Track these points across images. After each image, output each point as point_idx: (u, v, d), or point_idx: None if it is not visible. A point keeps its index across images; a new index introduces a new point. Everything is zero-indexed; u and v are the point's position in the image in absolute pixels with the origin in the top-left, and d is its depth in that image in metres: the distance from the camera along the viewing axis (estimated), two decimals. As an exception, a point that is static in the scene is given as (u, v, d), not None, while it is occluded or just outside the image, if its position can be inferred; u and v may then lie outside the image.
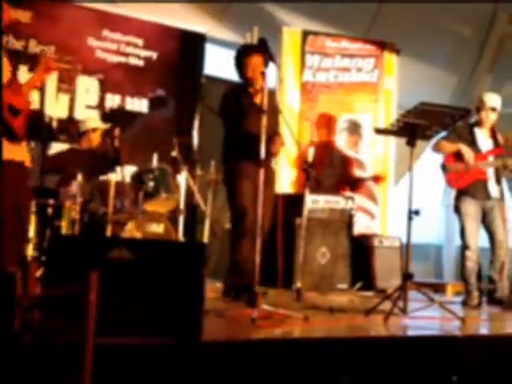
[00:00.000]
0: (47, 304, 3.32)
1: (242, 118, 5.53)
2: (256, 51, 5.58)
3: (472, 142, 6.37)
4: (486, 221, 6.36)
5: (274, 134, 5.45)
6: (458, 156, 6.31)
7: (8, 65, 4.12)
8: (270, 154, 5.38)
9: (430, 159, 10.10)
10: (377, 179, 8.28)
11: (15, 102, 3.99)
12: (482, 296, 6.52)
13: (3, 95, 3.92)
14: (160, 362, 3.26)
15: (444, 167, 6.43)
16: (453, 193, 6.52)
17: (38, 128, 6.83)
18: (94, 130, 6.71)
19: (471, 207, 6.32)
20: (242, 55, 5.66)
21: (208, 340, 3.52)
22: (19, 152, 4.08)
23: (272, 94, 5.62)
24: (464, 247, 6.36)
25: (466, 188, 6.33)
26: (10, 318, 2.82)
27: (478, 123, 6.46)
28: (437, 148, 6.43)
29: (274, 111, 5.51)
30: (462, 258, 6.39)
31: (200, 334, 3.44)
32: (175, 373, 3.30)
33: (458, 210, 6.39)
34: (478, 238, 6.38)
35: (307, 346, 3.93)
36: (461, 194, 6.38)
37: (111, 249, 3.46)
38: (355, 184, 8.15)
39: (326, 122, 7.95)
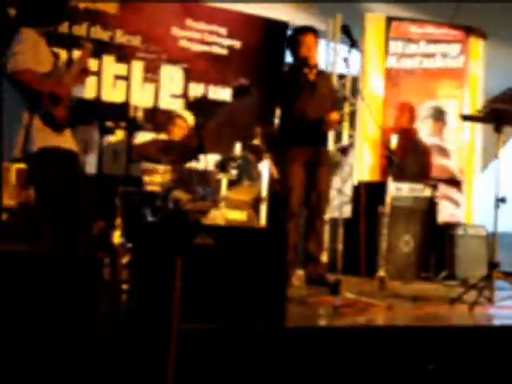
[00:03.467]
0: (134, 289, 3.39)
1: (297, 96, 5.57)
2: (310, 31, 5.70)
3: None
4: None
5: (327, 112, 5.51)
6: None
7: (49, 53, 4.17)
8: (324, 131, 5.58)
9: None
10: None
11: (57, 90, 4.04)
12: None
13: (44, 84, 3.98)
14: (244, 349, 3.29)
15: None
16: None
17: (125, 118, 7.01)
18: (180, 117, 6.81)
19: None
20: (297, 35, 5.71)
21: (291, 326, 3.54)
22: (63, 140, 4.11)
23: (328, 75, 5.82)
24: None
25: None
26: (98, 302, 2.89)
27: None
28: None
29: (331, 91, 5.75)
30: None
31: (283, 320, 3.46)
32: (259, 359, 3.33)
33: None
34: None
35: (390, 334, 3.91)
36: None
37: (195, 235, 3.50)
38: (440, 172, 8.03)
39: (407, 109, 7.84)
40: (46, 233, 3.88)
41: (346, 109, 7.97)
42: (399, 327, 4.13)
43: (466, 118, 6.79)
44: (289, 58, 5.96)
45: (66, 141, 4.13)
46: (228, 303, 3.39)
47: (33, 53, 3.95)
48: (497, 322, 4.79)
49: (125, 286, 3.34)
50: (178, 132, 6.81)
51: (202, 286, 3.38)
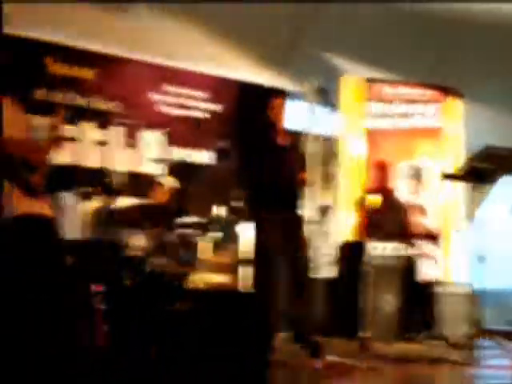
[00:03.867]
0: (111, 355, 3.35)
1: (267, 160, 5.58)
2: (277, 93, 5.74)
3: None
4: None
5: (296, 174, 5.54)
6: None
7: (24, 120, 4.17)
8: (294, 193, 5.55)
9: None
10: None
11: (34, 158, 4.04)
12: None
13: (18, 150, 3.98)
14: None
15: None
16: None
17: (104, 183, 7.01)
18: (160, 183, 6.82)
19: None
20: (264, 97, 5.74)
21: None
22: (40, 206, 4.10)
23: (294, 135, 5.85)
24: None
25: None
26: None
27: None
28: None
29: (298, 153, 5.71)
30: None
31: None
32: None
33: None
34: None
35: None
36: None
37: (173, 300, 3.48)
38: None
39: (384, 169, 7.88)
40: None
41: (322, 169, 8.01)
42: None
43: (446, 176, 6.86)
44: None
45: (43, 207, 4.11)
46: (208, 368, 3.35)
47: (7, 119, 3.95)
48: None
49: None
50: (160, 197, 6.80)
51: (181, 351, 3.35)
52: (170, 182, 6.95)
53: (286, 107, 5.66)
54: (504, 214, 9.97)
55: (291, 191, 5.55)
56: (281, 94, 5.74)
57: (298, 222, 5.73)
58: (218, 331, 3.41)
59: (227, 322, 3.44)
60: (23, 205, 3.95)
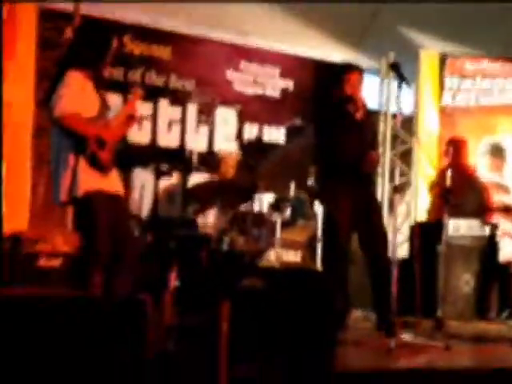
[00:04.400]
0: (181, 332, 3.37)
1: (343, 135, 5.48)
2: (354, 69, 5.62)
3: None
4: None
5: (368, 152, 5.41)
6: None
7: (96, 97, 4.18)
8: (364, 172, 5.43)
9: None
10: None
11: (103, 134, 4.06)
12: None
13: (90, 129, 4.01)
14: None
15: None
16: None
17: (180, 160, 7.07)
18: (228, 156, 6.84)
19: None
20: (341, 73, 5.65)
21: (342, 370, 3.47)
22: (108, 182, 4.12)
23: (370, 114, 5.74)
24: None
25: None
26: (142, 345, 2.87)
27: None
28: None
29: (372, 131, 5.66)
30: None
31: (332, 364, 3.39)
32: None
33: None
34: None
35: (448, 377, 3.80)
36: None
37: (244, 278, 3.49)
38: (500, 209, 7.85)
39: (463, 146, 7.70)
40: (96, 278, 3.90)
41: (399, 148, 7.90)
42: (458, 369, 4.02)
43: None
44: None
45: (111, 183, 4.15)
46: (276, 347, 3.34)
47: (79, 96, 4.00)
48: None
49: (171, 329, 3.32)
50: (228, 170, 6.82)
51: (250, 330, 3.35)
52: (235, 154, 6.96)
53: (363, 82, 5.63)
54: None
55: (361, 169, 5.46)
56: (358, 69, 5.65)
57: (373, 198, 5.67)
58: (286, 309, 3.40)
59: (295, 301, 3.42)
60: (91, 180, 4.00)
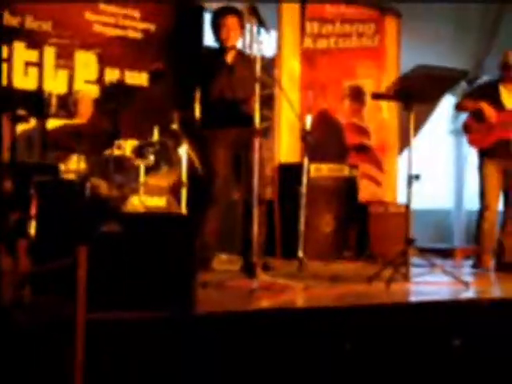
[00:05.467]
0: (38, 279, 3.31)
1: (214, 78, 5.51)
2: (229, 12, 5.65)
3: (496, 100, 6.17)
4: (506, 182, 6.23)
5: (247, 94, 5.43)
6: (480, 115, 6.13)
7: None
8: (245, 112, 5.44)
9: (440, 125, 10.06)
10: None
11: None
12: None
13: None
14: (153, 336, 3.24)
15: (466, 127, 6.29)
16: (475, 153, 6.38)
17: (38, 105, 6.83)
18: (85, 95, 6.73)
19: (493, 167, 6.19)
20: (218, 17, 5.65)
21: (203, 312, 3.50)
22: None
23: (249, 57, 5.78)
24: (483, 208, 6.23)
25: (488, 148, 6.18)
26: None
27: (503, 80, 6.26)
28: (459, 107, 6.38)
29: (250, 73, 5.46)
30: (480, 219, 6.26)
31: (193, 306, 3.41)
32: (169, 347, 3.28)
33: (480, 170, 6.27)
34: (499, 200, 6.27)
35: (307, 316, 3.90)
36: (483, 155, 6.24)
37: (102, 223, 3.44)
38: (360, 151, 8.07)
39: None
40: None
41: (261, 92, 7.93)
42: (316, 308, 4.13)
43: (376, 96, 6.84)
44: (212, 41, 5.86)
45: None
46: (136, 291, 3.33)
47: None
48: (413, 299, 4.84)
49: (27, 276, 3.24)
50: (84, 110, 6.69)
51: (109, 274, 3.32)
52: (93, 94, 6.85)
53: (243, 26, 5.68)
54: (441, 135, 10.11)
55: (239, 110, 5.48)
56: (235, 12, 5.63)
57: (248, 141, 5.66)
58: (145, 253, 3.39)
59: (154, 244, 3.42)
60: None
